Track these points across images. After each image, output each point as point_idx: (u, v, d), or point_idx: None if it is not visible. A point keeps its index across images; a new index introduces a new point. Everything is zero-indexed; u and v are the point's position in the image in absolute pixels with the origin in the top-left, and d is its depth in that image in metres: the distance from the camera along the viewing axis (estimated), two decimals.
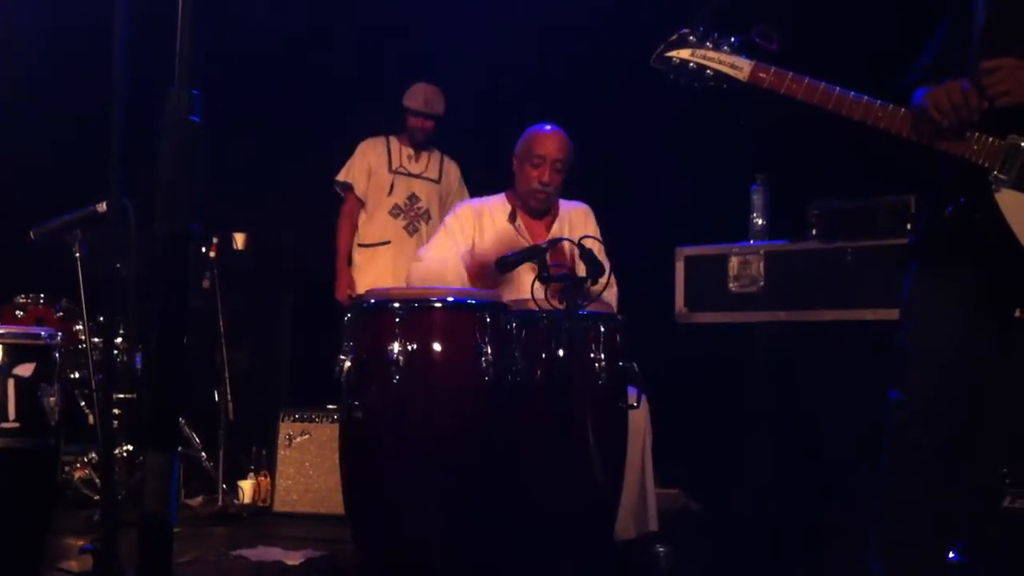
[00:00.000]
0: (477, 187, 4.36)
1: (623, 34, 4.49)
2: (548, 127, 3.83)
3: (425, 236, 5.07)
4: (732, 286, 4.06)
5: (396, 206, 5.24)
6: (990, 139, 2.32)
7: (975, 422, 2.39)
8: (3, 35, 5.20)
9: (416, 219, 5.23)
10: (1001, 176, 2.30)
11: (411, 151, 5.31)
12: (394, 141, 5.33)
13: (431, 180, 5.32)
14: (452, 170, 5.38)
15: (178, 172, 1.62)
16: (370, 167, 5.26)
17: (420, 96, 5.20)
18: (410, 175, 5.29)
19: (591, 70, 5.06)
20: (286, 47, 5.68)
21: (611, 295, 3.70)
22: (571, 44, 5.21)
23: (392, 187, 5.24)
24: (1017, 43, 2.30)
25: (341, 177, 5.30)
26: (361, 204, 5.29)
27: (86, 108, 2.73)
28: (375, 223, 5.24)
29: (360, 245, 5.28)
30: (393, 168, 5.28)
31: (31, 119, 5.32)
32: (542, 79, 5.25)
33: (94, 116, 2.13)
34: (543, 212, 3.85)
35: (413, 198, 5.25)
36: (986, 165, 2.32)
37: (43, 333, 3.22)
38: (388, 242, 5.19)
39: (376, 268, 5.18)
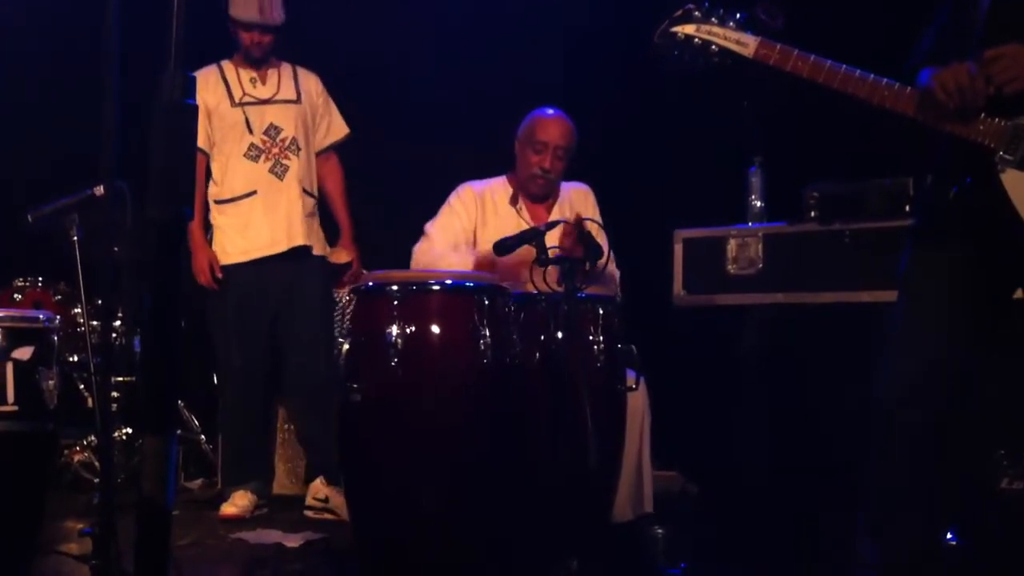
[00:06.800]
0: (476, 169, 4.31)
1: (621, 13, 4.47)
2: (551, 112, 3.77)
3: (297, 173, 4.28)
4: (730, 268, 4.06)
5: (253, 146, 4.26)
6: (996, 120, 2.30)
7: (964, 403, 2.39)
8: None
9: (281, 155, 4.28)
10: (1007, 156, 2.29)
11: (253, 72, 4.33)
12: (228, 66, 4.35)
13: (288, 101, 4.34)
14: (311, 83, 4.44)
15: (173, 155, 1.60)
16: (207, 107, 4.24)
17: (253, 3, 4.21)
18: (261, 102, 4.31)
19: (589, 50, 5.03)
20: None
21: (609, 275, 3.69)
22: (569, 24, 5.18)
23: (244, 124, 4.27)
24: (1022, 28, 2.29)
25: None
26: (206, 156, 4.30)
27: (83, 91, 2.72)
28: (234, 172, 4.28)
29: (218, 202, 4.31)
30: (237, 100, 4.29)
31: (27, 101, 5.30)
32: (539, 59, 5.20)
33: (91, 99, 2.12)
34: (544, 196, 3.83)
35: (272, 130, 4.28)
36: (991, 146, 2.30)
37: (41, 316, 3.22)
38: (254, 192, 4.25)
39: (246, 226, 4.27)
